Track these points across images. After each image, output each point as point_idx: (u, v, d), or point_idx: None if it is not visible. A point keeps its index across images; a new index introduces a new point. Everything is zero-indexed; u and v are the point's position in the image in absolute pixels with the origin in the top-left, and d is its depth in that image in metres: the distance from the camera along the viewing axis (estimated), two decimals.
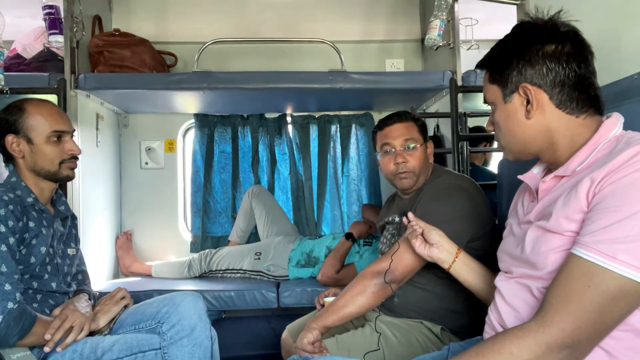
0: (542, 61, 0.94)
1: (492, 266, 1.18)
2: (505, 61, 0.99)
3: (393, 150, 1.61)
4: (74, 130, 1.57)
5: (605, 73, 1.16)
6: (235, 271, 2.62)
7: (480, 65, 1.06)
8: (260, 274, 2.58)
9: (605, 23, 1.43)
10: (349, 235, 2.46)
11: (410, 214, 1.30)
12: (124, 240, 2.81)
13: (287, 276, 2.55)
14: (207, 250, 2.71)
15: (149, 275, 2.70)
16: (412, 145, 1.60)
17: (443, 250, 1.25)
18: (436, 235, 1.25)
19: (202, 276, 2.66)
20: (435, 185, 1.56)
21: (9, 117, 1.47)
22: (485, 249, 1.39)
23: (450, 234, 1.32)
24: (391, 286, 1.36)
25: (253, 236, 2.90)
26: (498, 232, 1.15)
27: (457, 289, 1.30)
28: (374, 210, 2.69)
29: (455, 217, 1.44)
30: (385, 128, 1.64)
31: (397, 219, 1.51)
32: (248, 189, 2.89)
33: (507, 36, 1.02)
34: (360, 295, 1.37)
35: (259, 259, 2.59)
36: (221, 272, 2.64)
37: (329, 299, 1.55)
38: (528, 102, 0.96)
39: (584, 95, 0.94)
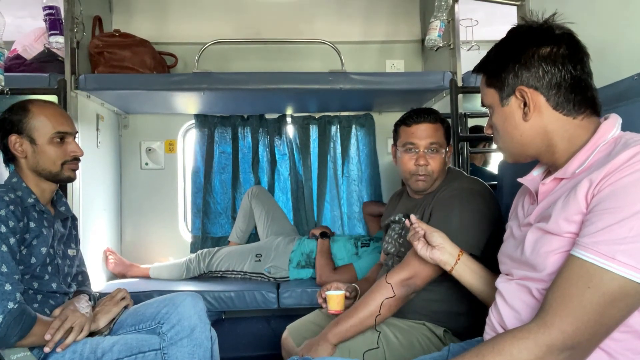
0: (538, 64, 0.95)
1: (494, 268, 1.18)
2: (501, 65, 0.99)
3: (417, 150, 1.56)
4: (77, 132, 1.58)
5: (603, 75, 1.16)
6: (235, 272, 2.62)
7: (477, 69, 1.07)
8: (261, 275, 2.58)
9: (603, 25, 1.44)
10: (323, 234, 2.53)
11: (412, 217, 1.30)
12: (114, 259, 2.69)
13: (288, 277, 2.55)
14: (205, 250, 2.70)
15: (148, 278, 2.70)
16: (436, 149, 1.56)
17: (445, 252, 1.25)
18: (438, 238, 1.26)
19: (202, 276, 2.65)
20: (451, 190, 1.53)
21: (13, 117, 1.47)
22: (489, 250, 1.39)
23: (469, 241, 1.34)
24: (402, 293, 1.38)
25: (253, 236, 2.90)
26: (502, 234, 1.15)
27: (460, 291, 1.30)
28: (375, 204, 2.72)
29: (474, 223, 1.43)
30: (413, 125, 1.57)
31: (403, 218, 1.50)
32: (248, 189, 2.89)
33: (502, 40, 1.03)
34: (383, 307, 1.37)
35: (259, 260, 2.60)
36: (221, 272, 2.64)
37: (331, 293, 1.54)
38: (525, 104, 0.97)
39: (581, 97, 0.95)
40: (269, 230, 2.78)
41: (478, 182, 1.60)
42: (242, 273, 2.61)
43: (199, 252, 2.70)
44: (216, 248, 2.73)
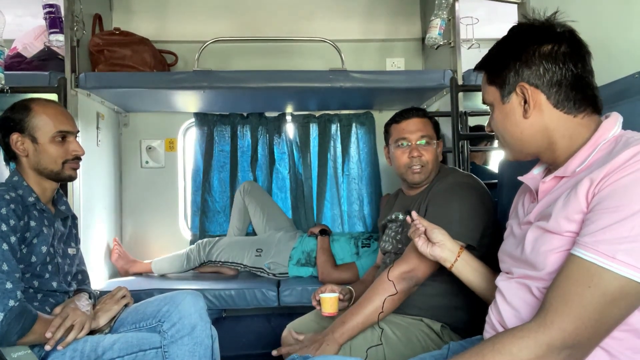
0: (539, 61, 0.95)
1: (494, 265, 1.18)
2: (502, 62, 0.99)
3: (409, 144, 1.62)
4: (78, 131, 1.58)
5: (605, 73, 1.16)
6: (235, 264, 2.61)
7: (478, 67, 1.07)
8: (261, 269, 2.58)
9: (605, 23, 1.44)
10: (322, 232, 2.54)
11: (414, 213, 1.31)
12: (118, 251, 2.72)
13: (287, 273, 2.55)
14: (205, 240, 2.68)
15: (150, 272, 2.70)
16: (428, 141, 1.62)
17: (445, 249, 1.25)
18: (439, 234, 1.26)
19: (202, 265, 2.64)
20: (446, 184, 1.57)
21: (15, 116, 1.47)
22: (488, 248, 1.39)
23: (466, 232, 1.36)
24: (399, 288, 1.38)
25: (250, 234, 2.89)
26: (501, 232, 1.16)
27: (458, 285, 1.31)
28: None
29: (469, 215, 1.45)
30: (403, 122, 1.65)
31: (401, 216, 1.51)
32: (239, 186, 2.86)
33: (504, 38, 1.03)
34: (386, 303, 1.39)
35: (259, 255, 2.58)
36: (221, 262, 2.63)
37: (324, 295, 1.55)
38: (525, 101, 0.97)
39: (581, 95, 0.95)
40: (265, 225, 2.75)
41: (471, 176, 1.64)
42: (242, 266, 2.60)
43: (199, 241, 2.68)
44: (217, 237, 2.71)
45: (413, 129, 1.62)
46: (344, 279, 2.31)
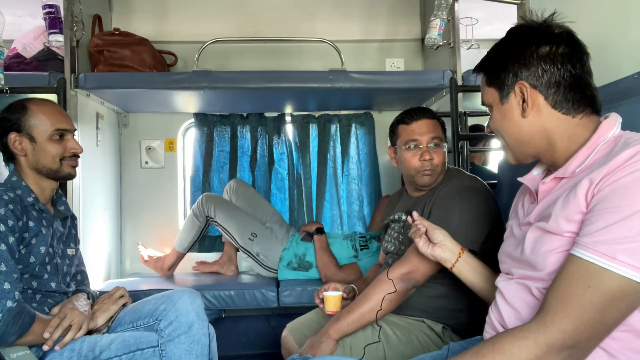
0: (537, 63, 0.95)
1: (494, 266, 1.18)
2: (501, 64, 1.00)
3: (420, 146, 1.58)
4: (76, 129, 1.58)
5: (603, 73, 1.16)
6: (228, 233, 2.57)
7: (477, 68, 1.08)
8: (249, 253, 2.54)
9: (603, 24, 1.44)
10: (319, 230, 2.49)
11: (414, 213, 1.31)
12: (146, 254, 2.72)
13: (276, 270, 2.51)
14: (211, 194, 2.63)
15: (180, 254, 2.65)
16: (437, 143, 1.59)
17: (446, 249, 1.25)
18: (439, 235, 1.26)
19: (208, 220, 2.58)
20: (452, 187, 1.55)
21: (12, 116, 1.47)
22: (490, 249, 1.39)
23: (469, 236, 1.35)
24: (397, 288, 1.38)
25: None
26: (502, 234, 1.16)
27: (460, 287, 1.31)
28: None
29: (473, 220, 1.44)
30: (413, 123, 1.60)
31: (403, 217, 1.51)
32: (225, 185, 2.82)
33: (502, 39, 1.04)
34: (384, 302, 1.38)
35: (252, 240, 2.53)
36: (216, 223, 2.57)
37: (328, 293, 1.54)
38: (524, 101, 0.97)
39: (580, 96, 0.95)
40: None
41: (477, 179, 1.62)
42: (234, 240, 2.57)
43: (201, 196, 2.62)
44: (220, 202, 2.61)
45: (424, 130, 1.58)
46: (349, 281, 2.29)
